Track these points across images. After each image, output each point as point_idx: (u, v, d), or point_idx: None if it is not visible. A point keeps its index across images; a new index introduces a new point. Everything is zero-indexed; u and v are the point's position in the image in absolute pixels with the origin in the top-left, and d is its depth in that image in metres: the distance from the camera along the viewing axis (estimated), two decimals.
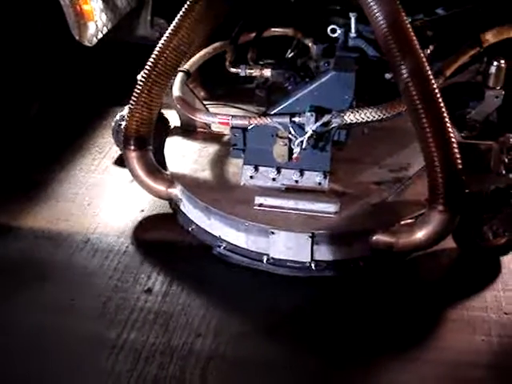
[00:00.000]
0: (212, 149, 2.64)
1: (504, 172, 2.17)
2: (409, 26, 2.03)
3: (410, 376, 2.00)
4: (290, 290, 2.29)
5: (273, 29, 2.65)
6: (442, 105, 2.02)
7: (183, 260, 2.43)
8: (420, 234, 2.16)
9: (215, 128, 2.74)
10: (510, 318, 2.16)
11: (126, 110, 2.82)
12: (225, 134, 2.72)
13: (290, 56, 2.61)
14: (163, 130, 2.78)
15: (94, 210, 2.68)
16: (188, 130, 2.75)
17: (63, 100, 3.32)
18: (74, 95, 3.41)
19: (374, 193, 2.37)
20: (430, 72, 2.03)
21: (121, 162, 2.94)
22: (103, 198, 2.76)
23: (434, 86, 2.02)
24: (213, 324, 2.16)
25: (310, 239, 2.20)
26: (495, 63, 2.68)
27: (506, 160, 2.15)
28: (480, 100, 2.73)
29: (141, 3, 3.18)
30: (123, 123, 2.77)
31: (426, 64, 2.02)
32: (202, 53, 2.72)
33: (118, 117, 2.82)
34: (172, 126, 2.82)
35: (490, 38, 2.37)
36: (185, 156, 2.60)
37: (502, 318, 2.17)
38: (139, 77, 2.64)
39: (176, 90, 2.56)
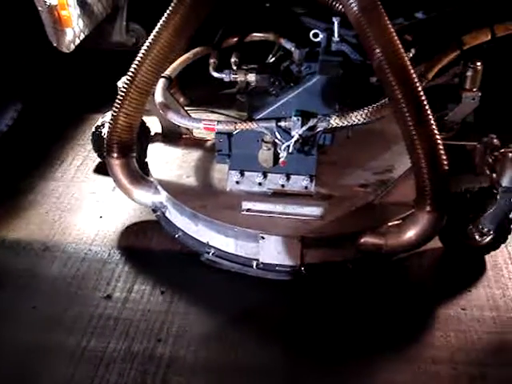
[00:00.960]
0: (195, 155, 2.63)
1: (488, 172, 2.21)
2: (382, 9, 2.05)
3: (405, 376, 2.02)
4: (267, 293, 2.29)
5: (254, 34, 2.65)
6: (419, 88, 2.03)
7: (158, 265, 2.43)
8: (408, 235, 2.19)
9: (197, 134, 2.73)
10: (503, 316, 2.20)
11: (106, 117, 2.81)
12: (207, 140, 2.71)
13: (271, 61, 2.62)
14: (144, 136, 2.76)
15: (67, 219, 2.65)
16: (169, 137, 2.73)
17: (39, 107, 3.27)
18: (50, 102, 3.36)
19: (359, 195, 2.39)
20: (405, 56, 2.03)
21: (101, 169, 2.93)
22: (82, 207, 2.73)
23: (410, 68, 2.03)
24: (173, 329, 2.16)
25: (299, 243, 2.21)
26: (472, 66, 2.75)
27: (490, 160, 2.19)
28: (457, 102, 2.79)
29: (115, 9, 3.16)
30: (104, 130, 2.76)
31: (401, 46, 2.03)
32: (182, 58, 2.70)
33: (97, 124, 2.78)
34: (153, 133, 2.80)
35: (470, 40, 2.41)
36: (168, 162, 2.58)
37: (496, 315, 2.21)
38: (120, 83, 2.64)
39: (158, 96, 2.54)
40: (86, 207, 2.73)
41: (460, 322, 2.18)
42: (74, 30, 2.71)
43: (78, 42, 2.78)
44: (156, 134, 2.77)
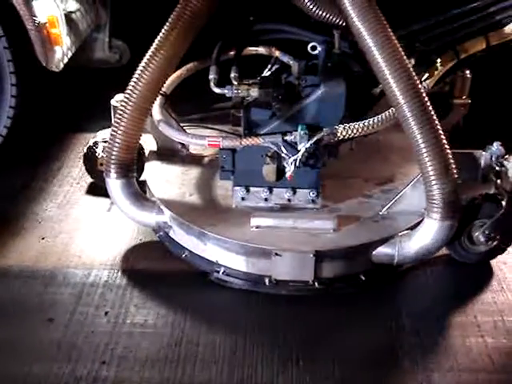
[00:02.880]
0: (195, 172, 2.59)
1: (494, 179, 2.25)
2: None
3: None
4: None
5: (249, 48, 2.63)
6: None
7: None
8: (420, 244, 2.20)
9: (194, 150, 2.69)
10: None
11: (97, 137, 2.74)
12: (204, 156, 2.67)
13: (267, 74, 2.60)
14: (138, 155, 2.70)
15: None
16: (165, 154, 2.68)
17: (18, 129, 3.15)
18: (29, 123, 3.25)
19: (366, 206, 2.40)
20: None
21: (93, 190, 2.85)
22: (78, 231, 2.64)
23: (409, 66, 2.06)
24: (118, 351, 2.12)
25: (313, 258, 2.19)
26: (461, 74, 2.81)
27: (496, 167, 2.23)
28: (448, 110, 2.84)
29: (98, 26, 3.10)
30: (98, 150, 2.69)
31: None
32: (176, 74, 2.66)
33: (90, 143, 2.71)
34: (147, 151, 2.75)
35: (466, 49, 2.45)
36: (169, 181, 2.53)
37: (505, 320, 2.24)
38: (114, 102, 2.58)
39: (156, 114, 2.50)
40: (82, 230, 2.65)
41: (476, 328, 2.20)
42: (62, 48, 2.65)
43: (66, 60, 2.72)
44: (151, 152, 2.71)
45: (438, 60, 2.41)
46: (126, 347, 2.13)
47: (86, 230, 2.66)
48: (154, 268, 2.47)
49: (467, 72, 2.81)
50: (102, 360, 2.08)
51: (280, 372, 2.05)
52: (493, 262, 2.45)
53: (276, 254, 2.19)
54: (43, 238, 2.60)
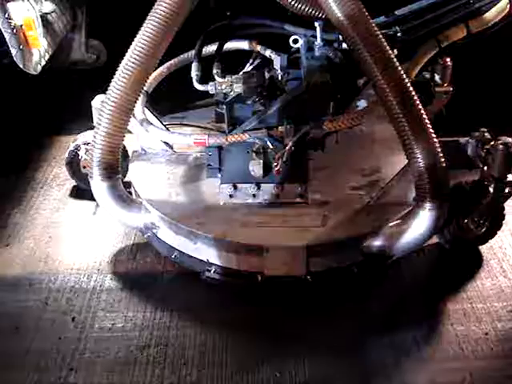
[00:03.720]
0: (180, 170, 2.55)
1: (480, 165, 2.25)
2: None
3: (425, 375, 2.04)
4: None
5: (229, 43, 2.61)
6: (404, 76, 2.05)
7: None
8: (411, 234, 2.19)
9: (178, 149, 2.66)
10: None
11: (79, 139, 2.70)
12: (189, 154, 2.64)
13: (248, 69, 2.59)
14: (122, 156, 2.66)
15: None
16: (149, 154, 2.65)
17: None
18: (9, 126, 3.20)
19: (354, 198, 2.38)
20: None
21: (76, 193, 2.81)
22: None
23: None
24: (86, 356, 2.10)
25: (305, 252, 2.18)
26: (441, 62, 2.81)
27: (482, 153, 2.23)
28: (430, 98, 2.84)
29: (73, 26, 3.05)
30: (81, 153, 2.65)
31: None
32: (156, 72, 2.64)
33: (72, 147, 2.67)
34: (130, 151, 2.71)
35: (447, 37, 2.45)
36: (154, 181, 2.50)
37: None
38: (95, 103, 2.54)
39: (139, 113, 2.46)
40: (68, 235, 2.62)
41: (470, 314, 2.22)
42: (39, 51, 2.59)
43: (43, 62, 2.66)
44: (134, 152, 2.67)
45: (421, 49, 2.42)
46: (94, 352, 2.12)
47: (63, 234, 2.63)
48: (121, 271, 2.45)
49: (448, 60, 2.81)
50: (70, 367, 2.07)
51: (250, 371, 2.05)
52: (482, 248, 2.48)
53: (267, 251, 2.18)
54: (7, 245, 2.57)
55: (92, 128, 2.66)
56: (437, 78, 2.76)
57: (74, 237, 2.62)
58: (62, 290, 2.36)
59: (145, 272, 2.44)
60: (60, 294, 2.34)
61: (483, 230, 2.37)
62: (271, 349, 2.13)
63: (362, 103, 2.55)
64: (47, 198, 2.83)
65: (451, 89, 2.85)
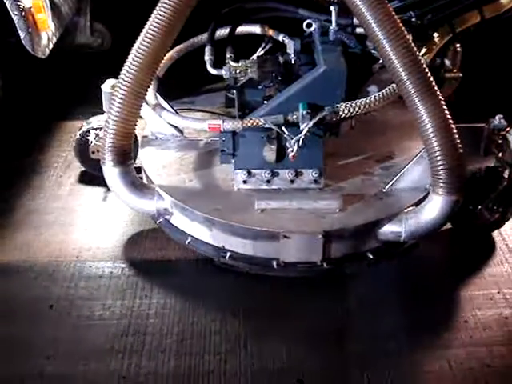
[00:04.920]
0: (191, 156, 2.52)
1: (496, 152, 2.26)
2: None
3: (438, 364, 2.04)
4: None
5: (241, 27, 2.57)
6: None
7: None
8: (426, 220, 2.19)
9: (188, 134, 2.63)
10: None
11: (90, 124, 2.66)
12: (199, 140, 2.62)
13: (260, 54, 2.56)
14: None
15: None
16: (159, 140, 2.62)
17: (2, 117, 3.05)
18: (15, 111, 3.15)
19: (369, 184, 2.38)
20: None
21: (85, 179, 2.78)
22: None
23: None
24: (63, 345, 2.09)
25: (322, 238, 2.17)
26: (452, 47, 2.81)
27: (499, 141, 2.24)
28: (440, 84, 2.84)
29: (78, 10, 3.00)
30: (90, 138, 2.62)
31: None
32: (167, 56, 2.59)
33: (81, 132, 2.63)
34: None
35: (461, 23, 2.44)
36: (166, 167, 2.47)
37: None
38: (105, 87, 2.51)
39: (151, 98, 2.43)
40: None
41: (487, 300, 2.23)
42: (47, 34, 2.55)
43: (51, 46, 2.62)
44: (143, 137, 2.64)
45: (435, 34, 2.41)
46: (71, 341, 2.10)
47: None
48: (100, 258, 2.43)
49: (458, 46, 2.81)
50: (47, 355, 2.04)
51: (228, 359, 2.04)
52: (494, 234, 2.49)
53: (284, 237, 2.17)
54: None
55: (101, 113, 2.66)
56: (447, 63, 2.77)
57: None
58: (41, 277, 2.33)
59: (125, 260, 2.43)
60: (38, 282, 2.31)
61: (497, 215, 2.38)
62: (251, 336, 2.12)
63: (372, 89, 2.54)
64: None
65: (460, 75, 2.86)
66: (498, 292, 2.26)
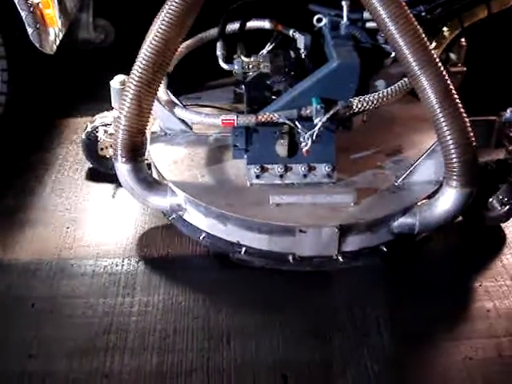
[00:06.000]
0: (202, 152, 2.52)
1: (507, 144, 2.28)
2: None
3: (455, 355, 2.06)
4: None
5: (250, 22, 2.57)
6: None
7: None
8: (440, 212, 2.21)
9: (197, 130, 2.62)
10: None
11: (97, 121, 2.64)
12: (208, 135, 2.61)
13: (269, 49, 2.56)
14: None
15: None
16: (168, 135, 2.60)
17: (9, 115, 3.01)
18: (21, 108, 3.11)
19: (381, 178, 2.39)
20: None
21: (93, 176, 2.77)
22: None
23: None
24: (45, 343, 2.07)
25: (338, 232, 2.18)
26: (457, 42, 2.82)
27: (510, 133, 2.26)
28: None
29: (81, 5, 2.98)
30: (100, 135, 2.60)
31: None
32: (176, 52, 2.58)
33: (89, 128, 2.61)
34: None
35: (469, 17, 2.46)
36: (177, 162, 2.46)
37: None
38: (114, 83, 2.49)
39: (162, 94, 2.42)
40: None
41: (499, 291, 2.25)
42: (55, 30, 2.53)
43: (58, 42, 2.60)
44: (152, 133, 2.63)
45: (445, 28, 2.43)
46: (53, 339, 2.08)
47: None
48: (83, 256, 2.41)
49: (463, 40, 2.83)
50: (29, 353, 2.03)
51: (211, 357, 2.04)
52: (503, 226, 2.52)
53: (300, 231, 2.18)
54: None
55: (108, 109, 2.64)
56: (452, 57, 2.79)
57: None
58: (23, 275, 2.32)
59: (106, 258, 2.41)
60: (20, 280, 2.30)
61: (507, 207, 2.41)
62: (235, 332, 2.12)
63: (380, 83, 2.55)
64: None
65: (465, 69, 2.87)
66: None
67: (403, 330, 2.14)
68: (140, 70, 2.15)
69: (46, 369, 1.99)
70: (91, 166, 2.78)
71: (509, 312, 2.19)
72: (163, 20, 2.15)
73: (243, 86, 2.47)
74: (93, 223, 2.56)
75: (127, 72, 2.46)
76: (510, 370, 2.01)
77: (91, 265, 2.37)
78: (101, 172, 2.74)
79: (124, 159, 2.26)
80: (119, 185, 2.53)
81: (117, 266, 2.37)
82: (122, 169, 2.28)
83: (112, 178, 2.65)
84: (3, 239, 2.46)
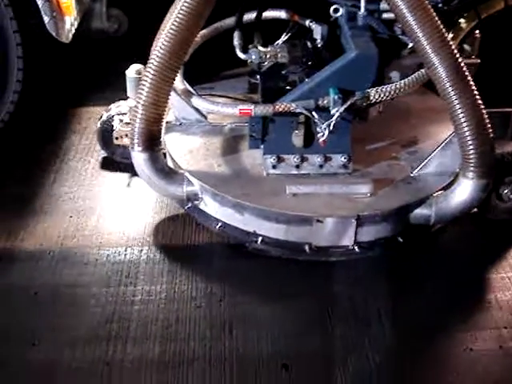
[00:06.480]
0: (217, 141, 2.52)
1: None
2: None
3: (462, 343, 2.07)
4: None
5: (266, 12, 2.57)
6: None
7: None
8: (456, 203, 2.22)
9: (212, 120, 2.62)
10: None
11: (113, 109, 2.65)
12: (223, 125, 2.62)
13: (285, 39, 2.56)
14: None
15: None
16: (182, 125, 2.61)
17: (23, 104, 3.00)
18: (34, 97, 3.10)
19: (396, 169, 2.40)
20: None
21: (107, 165, 2.77)
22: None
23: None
24: (48, 332, 2.08)
25: (355, 222, 2.19)
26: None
27: None
28: None
29: None
30: (115, 124, 2.61)
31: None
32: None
33: (104, 117, 2.61)
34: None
35: (486, 9, 2.46)
36: (192, 152, 2.47)
37: None
38: (130, 72, 2.50)
39: (178, 83, 2.42)
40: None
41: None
42: (70, 19, 2.53)
43: (73, 31, 2.59)
44: (167, 123, 2.62)
45: (462, 20, 2.43)
46: (56, 327, 2.09)
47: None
48: (86, 245, 2.41)
49: (476, 31, 2.83)
50: (32, 342, 2.03)
51: (213, 346, 2.04)
52: None
53: (318, 221, 2.19)
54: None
55: (122, 98, 2.65)
56: (467, 48, 2.79)
57: (96, 210, 2.58)
58: (25, 263, 2.32)
59: (108, 247, 2.41)
60: (24, 268, 2.29)
61: None
62: (237, 321, 2.12)
63: (394, 74, 2.55)
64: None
65: (479, 61, 2.87)
66: None
67: (405, 320, 2.15)
68: (158, 59, 2.15)
69: (49, 357, 1.99)
70: (104, 154, 2.79)
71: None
72: (181, 9, 2.15)
73: (258, 76, 2.49)
74: (97, 212, 2.56)
75: (139, 61, 2.50)
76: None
77: (94, 254, 2.37)
78: (114, 161, 2.74)
79: (141, 148, 2.26)
80: (133, 174, 2.55)
81: (119, 254, 2.37)
82: (139, 158, 2.28)
83: (125, 167, 2.68)
84: (8, 227, 2.46)
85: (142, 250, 2.39)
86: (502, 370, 2.00)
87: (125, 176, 2.73)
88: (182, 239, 2.46)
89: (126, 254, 2.38)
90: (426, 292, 2.26)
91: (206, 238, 2.45)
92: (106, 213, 2.57)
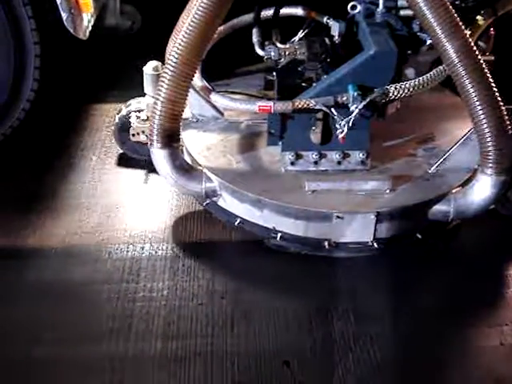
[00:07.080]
0: (234, 138, 2.53)
1: None
2: None
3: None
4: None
5: (283, 9, 2.57)
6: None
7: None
8: (474, 200, 2.23)
9: (228, 116, 2.63)
10: None
11: (130, 106, 2.65)
12: (240, 122, 2.62)
13: (301, 36, 2.56)
14: None
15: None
16: (199, 122, 2.61)
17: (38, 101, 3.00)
18: (50, 94, 3.09)
19: (414, 165, 2.41)
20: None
21: (124, 162, 2.77)
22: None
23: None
24: (51, 329, 2.08)
25: (374, 218, 2.20)
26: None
27: None
28: None
29: None
30: (132, 120, 2.61)
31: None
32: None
33: (122, 114, 2.62)
34: None
35: (502, 6, 2.47)
36: (210, 149, 2.47)
37: None
38: (147, 69, 2.50)
39: (197, 80, 2.43)
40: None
41: None
42: (87, 15, 2.53)
43: (90, 27, 2.60)
44: (184, 119, 2.62)
45: (479, 17, 2.43)
46: (58, 324, 2.09)
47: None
48: (89, 242, 2.41)
49: (491, 29, 2.83)
50: (35, 339, 2.04)
51: (214, 342, 2.05)
52: None
53: (337, 217, 2.20)
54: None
55: (139, 95, 2.65)
56: (482, 45, 2.79)
57: (100, 207, 2.59)
58: (27, 261, 2.32)
59: (110, 244, 2.41)
60: (29, 266, 2.30)
61: None
62: (240, 318, 2.13)
63: (410, 71, 2.56)
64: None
65: (493, 58, 2.88)
66: None
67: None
68: (177, 56, 2.16)
69: (52, 354, 2.00)
70: (120, 151, 2.80)
71: None
72: (200, 6, 2.16)
73: (274, 73, 2.49)
74: (100, 209, 2.56)
75: (154, 58, 2.50)
76: None
77: (96, 250, 2.37)
78: (129, 158, 2.75)
79: (160, 145, 2.27)
80: (150, 170, 2.55)
81: (121, 251, 2.38)
82: (158, 154, 2.29)
83: (142, 164, 2.69)
84: (13, 224, 2.46)
85: (143, 247, 2.40)
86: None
87: (135, 173, 2.74)
88: (183, 236, 2.46)
89: (127, 251, 2.38)
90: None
91: (208, 235, 2.46)
92: (107, 210, 2.56)
